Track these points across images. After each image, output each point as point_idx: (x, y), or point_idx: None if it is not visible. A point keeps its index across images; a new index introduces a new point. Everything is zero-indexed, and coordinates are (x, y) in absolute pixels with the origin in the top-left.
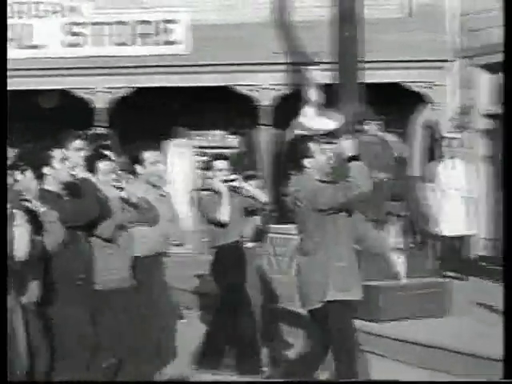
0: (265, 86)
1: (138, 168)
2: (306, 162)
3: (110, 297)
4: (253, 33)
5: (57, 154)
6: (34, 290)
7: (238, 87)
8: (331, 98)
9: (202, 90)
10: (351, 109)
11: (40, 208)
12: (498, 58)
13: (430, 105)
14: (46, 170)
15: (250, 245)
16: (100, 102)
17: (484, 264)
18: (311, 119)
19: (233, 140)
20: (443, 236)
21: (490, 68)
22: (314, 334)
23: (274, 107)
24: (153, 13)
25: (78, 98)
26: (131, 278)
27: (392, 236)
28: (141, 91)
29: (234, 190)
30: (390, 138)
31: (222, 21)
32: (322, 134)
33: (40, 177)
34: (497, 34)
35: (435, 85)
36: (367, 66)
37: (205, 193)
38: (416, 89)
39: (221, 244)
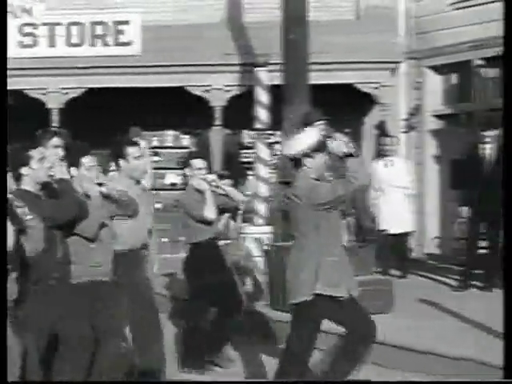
0: (217, 87)
1: (122, 162)
2: (307, 161)
3: (92, 290)
4: (205, 34)
5: (35, 153)
6: (11, 287)
7: (190, 88)
8: (280, 99)
9: (155, 91)
10: (298, 110)
11: (25, 215)
12: (446, 59)
13: (379, 105)
14: (23, 170)
15: (223, 242)
16: (53, 102)
17: (433, 262)
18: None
19: (186, 140)
20: (387, 234)
21: (438, 69)
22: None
23: (226, 108)
24: (105, 14)
25: (32, 99)
26: (112, 271)
27: None
28: (94, 91)
29: (211, 189)
30: (341, 137)
31: (174, 22)
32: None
33: (18, 177)
34: (444, 37)
35: (383, 86)
36: (319, 67)
37: (188, 191)
38: (366, 90)
39: (198, 241)
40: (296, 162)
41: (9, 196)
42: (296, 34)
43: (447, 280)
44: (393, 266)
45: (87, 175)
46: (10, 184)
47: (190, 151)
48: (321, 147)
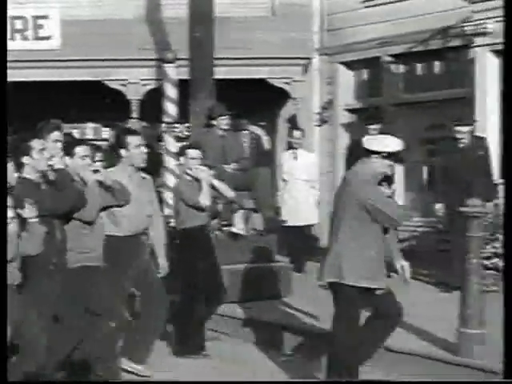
0: (133, 81)
1: (123, 152)
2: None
3: (85, 274)
4: (123, 29)
5: (36, 144)
6: (15, 272)
7: (108, 82)
8: (187, 93)
9: (75, 84)
10: (204, 104)
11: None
12: (357, 55)
13: (292, 100)
14: (25, 159)
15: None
16: None
17: None
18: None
19: (106, 132)
20: (288, 225)
21: (349, 65)
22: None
23: (143, 101)
24: (24, 8)
25: None
26: (112, 256)
27: (234, 224)
28: (15, 85)
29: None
30: (255, 130)
31: (92, 16)
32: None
33: (20, 166)
34: (355, 33)
35: (295, 81)
36: (233, 62)
37: (184, 179)
38: (278, 85)
39: (189, 226)
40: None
41: (12, 185)
42: (201, 32)
43: None
44: (295, 254)
45: (81, 163)
46: (11, 172)
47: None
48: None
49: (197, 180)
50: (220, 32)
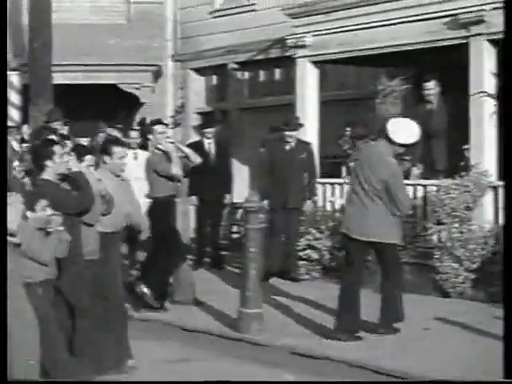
0: None
1: (107, 159)
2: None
3: (89, 267)
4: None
5: (57, 149)
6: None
7: None
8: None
9: None
10: (43, 109)
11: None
12: (207, 62)
13: (144, 104)
14: (48, 163)
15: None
16: None
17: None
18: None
19: None
20: None
21: (200, 71)
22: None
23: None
24: None
25: None
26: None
27: None
28: None
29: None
30: (111, 132)
31: None
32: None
33: (41, 168)
34: (205, 42)
35: (144, 86)
36: (85, 68)
37: (154, 153)
38: (128, 90)
39: (159, 196)
40: None
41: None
42: (39, 39)
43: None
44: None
45: (88, 172)
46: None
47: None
48: None
49: (165, 153)
50: (76, 38)
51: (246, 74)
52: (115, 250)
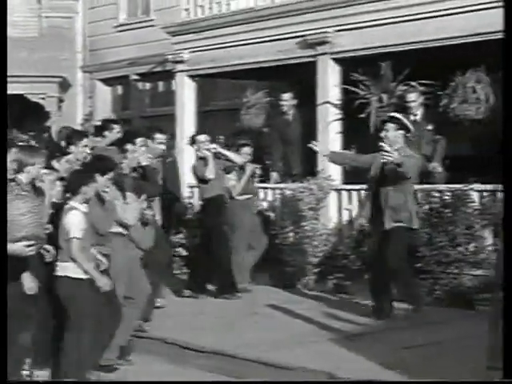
0: None
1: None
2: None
3: None
4: None
5: (129, 147)
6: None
7: None
8: None
9: None
10: None
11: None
12: (112, 73)
13: (54, 112)
14: (123, 159)
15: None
16: None
17: None
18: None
19: None
20: None
21: (106, 81)
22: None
23: None
24: None
25: None
26: None
27: None
28: None
29: (216, 155)
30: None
31: None
32: None
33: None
34: (110, 54)
35: (49, 96)
36: None
37: (196, 160)
38: (34, 99)
39: (207, 197)
40: None
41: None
42: None
43: None
44: None
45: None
46: None
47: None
48: None
49: (203, 159)
50: None
51: (147, 85)
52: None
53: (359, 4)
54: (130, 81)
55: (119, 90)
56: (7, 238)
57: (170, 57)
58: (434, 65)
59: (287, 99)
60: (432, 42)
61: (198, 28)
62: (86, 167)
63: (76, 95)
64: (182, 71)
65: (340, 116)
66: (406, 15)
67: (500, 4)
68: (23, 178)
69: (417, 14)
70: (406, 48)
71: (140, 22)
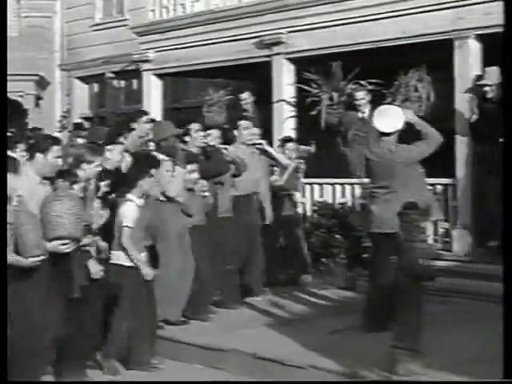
0: None
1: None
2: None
3: None
4: None
5: (194, 126)
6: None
7: None
8: None
9: None
10: None
11: None
12: (89, 71)
13: (31, 110)
14: (186, 137)
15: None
16: None
17: None
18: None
19: None
20: None
21: (84, 79)
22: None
23: None
24: None
25: None
26: None
27: None
28: None
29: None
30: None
31: None
32: None
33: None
34: (87, 53)
35: (27, 94)
36: None
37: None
38: (13, 97)
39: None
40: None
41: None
42: None
43: None
44: None
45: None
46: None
47: None
48: None
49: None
50: None
51: (122, 83)
52: (247, 212)
53: (311, 6)
54: (106, 79)
55: (96, 87)
56: (44, 236)
57: (135, 56)
58: (380, 64)
59: (246, 97)
60: (378, 42)
61: (163, 28)
62: (139, 163)
63: (54, 93)
64: (149, 70)
65: (294, 113)
66: (354, 17)
67: (439, 7)
68: (80, 174)
69: (364, 16)
70: (355, 48)
71: (115, 22)
